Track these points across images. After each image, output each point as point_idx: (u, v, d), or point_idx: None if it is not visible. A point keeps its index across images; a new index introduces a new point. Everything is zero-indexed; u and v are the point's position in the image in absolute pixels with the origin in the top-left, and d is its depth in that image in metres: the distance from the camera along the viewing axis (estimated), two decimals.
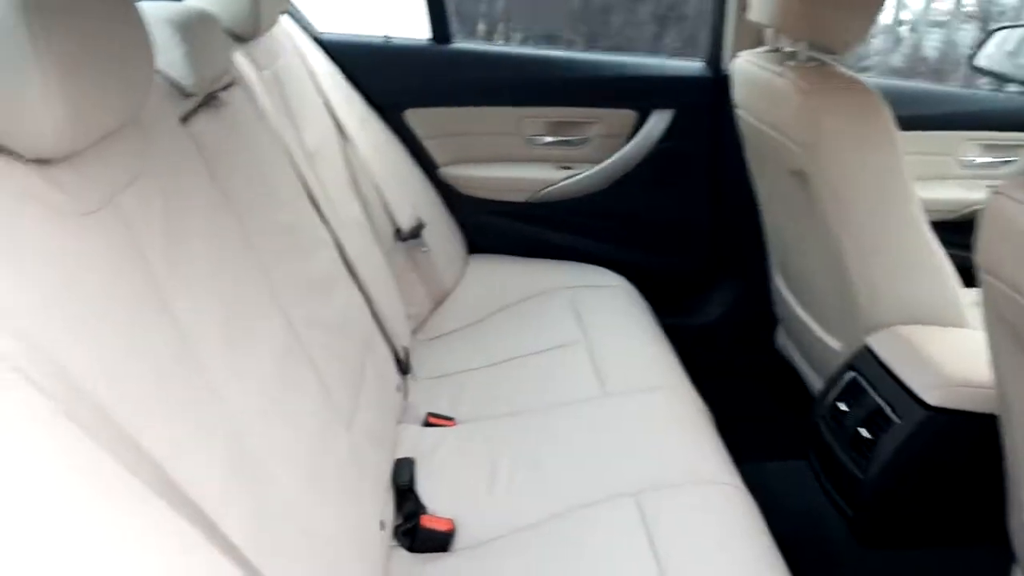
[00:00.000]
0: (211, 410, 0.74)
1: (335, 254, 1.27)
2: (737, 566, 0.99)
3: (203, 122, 0.99)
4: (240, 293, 0.88)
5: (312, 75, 1.51)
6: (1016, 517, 1.08)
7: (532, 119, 1.84)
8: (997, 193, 0.86)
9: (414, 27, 1.83)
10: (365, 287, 1.33)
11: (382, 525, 1.05)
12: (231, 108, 1.09)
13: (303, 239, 1.16)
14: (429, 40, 1.79)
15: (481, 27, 4.45)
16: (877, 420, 1.24)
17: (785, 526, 1.19)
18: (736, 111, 1.60)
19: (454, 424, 1.32)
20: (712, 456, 1.21)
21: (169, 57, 0.96)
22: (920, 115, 1.88)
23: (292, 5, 1.70)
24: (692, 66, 1.86)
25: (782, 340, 1.84)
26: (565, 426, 1.27)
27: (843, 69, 1.32)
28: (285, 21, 1.55)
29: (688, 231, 1.97)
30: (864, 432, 1.26)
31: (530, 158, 1.88)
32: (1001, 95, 2.08)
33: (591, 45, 4.40)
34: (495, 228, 1.92)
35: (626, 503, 1.08)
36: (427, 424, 1.32)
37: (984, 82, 2.55)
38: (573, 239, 1.94)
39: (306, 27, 1.69)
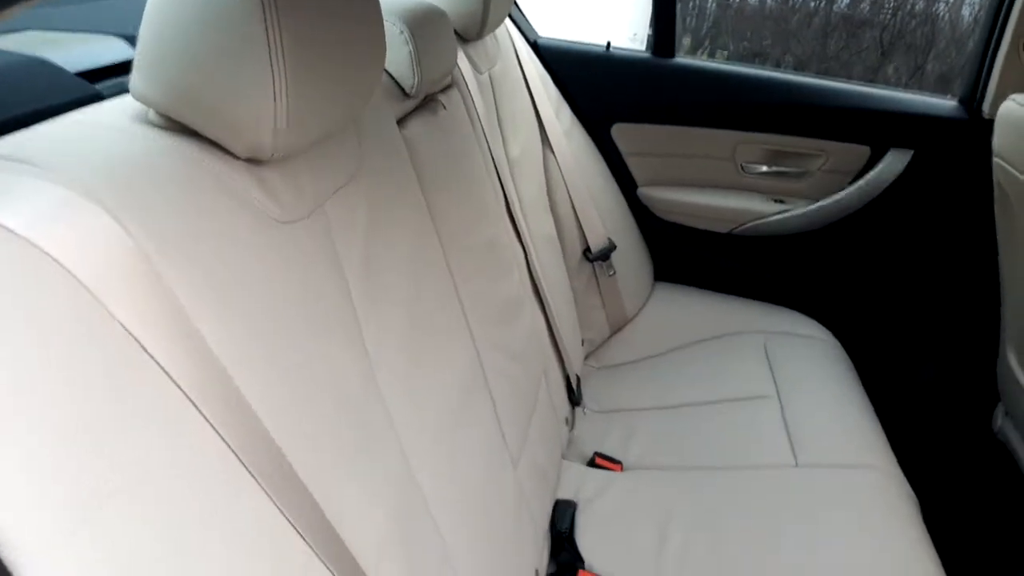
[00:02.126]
0: (385, 450, 0.68)
1: (524, 274, 1.21)
2: None
3: (418, 125, 0.94)
4: (432, 316, 0.83)
5: (525, 81, 1.47)
6: None
7: (748, 145, 1.69)
8: None
9: (619, 36, 1.74)
10: (549, 310, 1.27)
11: (536, 574, 0.98)
12: (447, 112, 1.04)
13: (499, 257, 1.10)
14: (649, 53, 1.71)
15: (686, 42, 4.29)
16: None
17: None
18: (995, 160, 1.38)
19: (621, 469, 1.23)
20: (919, 554, 1.04)
21: (395, 55, 0.90)
22: None
23: (516, 7, 1.67)
24: (943, 104, 1.64)
25: (1002, 424, 1.59)
26: (749, 494, 1.14)
27: None
28: (507, 24, 1.52)
29: (907, 288, 1.75)
30: None
31: (739, 187, 1.74)
32: None
33: (800, 68, 4.13)
34: (688, 257, 1.80)
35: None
36: (592, 464, 1.24)
37: None
38: (775, 280, 1.78)
39: (525, 30, 1.66)
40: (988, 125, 1.44)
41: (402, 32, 0.90)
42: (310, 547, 0.53)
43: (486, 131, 1.19)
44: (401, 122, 0.91)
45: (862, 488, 1.16)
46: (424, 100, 1.00)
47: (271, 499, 0.50)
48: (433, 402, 0.79)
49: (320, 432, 0.58)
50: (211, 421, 0.47)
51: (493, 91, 1.30)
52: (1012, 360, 1.51)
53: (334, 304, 0.65)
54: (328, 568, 0.55)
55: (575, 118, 1.64)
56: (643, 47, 1.75)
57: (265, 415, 0.52)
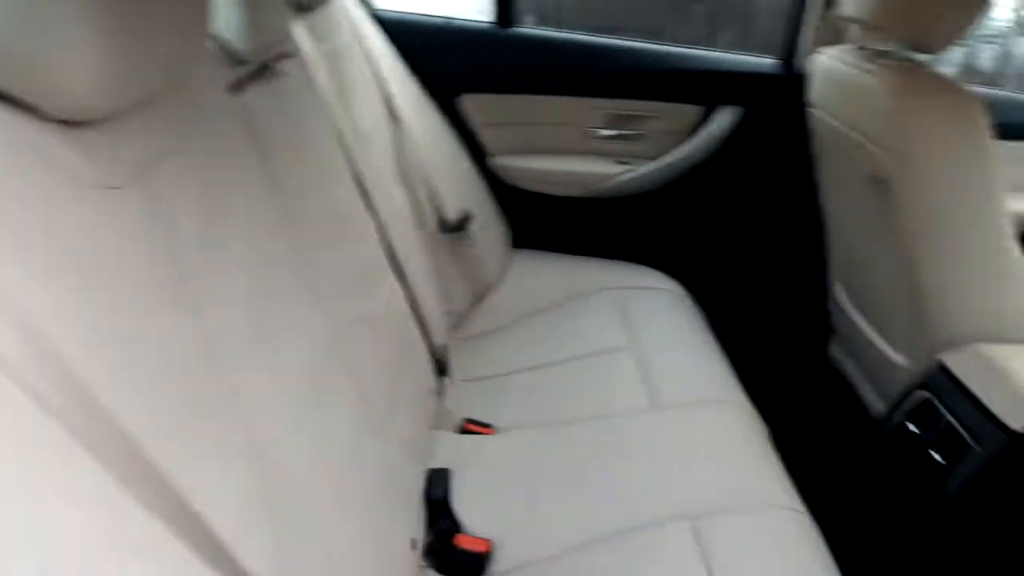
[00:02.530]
0: (232, 420, 0.66)
1: (379, 245, 1.21)
2: None
3: (254, 93, 0.92)
4: (277, 285, 0.82)
5: (368, 54, 1.46)
6: None
7: (592, 111, 1.76)
8: None
9: (474, 9, 1.76)
10: (408, 281, 1.27)
11: (413, 544, 0.98)
12: (285, 80, 1.02)
13: (349, 228, 1.09)
14: (492, 23, 1.73)
15: (530, 20, 4.37)
16: (951, 444, 1.16)
17: (847, 554, 1.11)
18: (812, 111, 1.51)
19: (493, 432, 1.25)
20: (772, 478, 1.13)
21: (224, 19, 0.88)
22: (1017, 123, 1.77)
23: None
24: (764, 63, 1.77)
25: (837, 353, 1.76)
26: (613, 441, 1.19)
27: (939, 71, 1.23)
28: None
29: (746, 235, 1.89)
30: (937, 456, 1.17)
31: (587, 151, 1.80)
32: None
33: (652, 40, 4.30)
34: (543, 223, 1.85)
35: (681, 528, 1.00)
36: (464, 431, 1.25)
37: None
38: (624, 238, 1.86)
39: (366, 2, 1.64)
40: (803, 79, 1.57)
41: None
42: (162, 522, 0.52)
43: (331, 102, 1.18)
44: (238, 88, 0.89)
45: (715, 422, 1.24)
46: (262, 68, 0.98)
47: (110, 473, 0.48)
48: (289, 372, 0.78)
49: (160, 405, 0.56)
50: (36, 391, 0.45)
51: (337, 63, 1.28)
52: (840, 292, 1.66)
53: (166, 274, 0.62)
54: (183, 543, 0.53)
55: (422, 90, 1.64)
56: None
57: (97, 387, 0.49)
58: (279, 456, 0.72)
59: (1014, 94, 1.94)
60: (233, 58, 0.90)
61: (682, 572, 0.94)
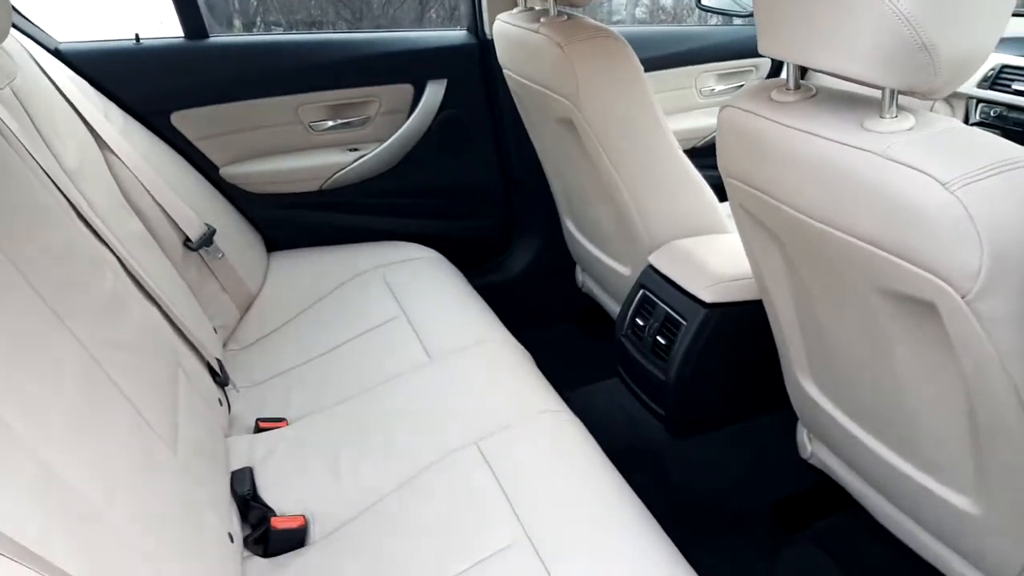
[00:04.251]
0: (10, 456, 0.69)
1: (120, 273, 1.21)
2: (577, 482, 1.09)
3: None
4: (21, 324, 0.83)
5: (59, 89, 1.40)
6: (790, 382, 1.27)
7: (309, 105, 1.82)
8: (727, 107, 1.00)
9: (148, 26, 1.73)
10: (162, 303, 1.27)
11: (231, 538, 1.03)
12: None
13: (81, 261, 1.08)
14: (182, 38, 1.72)
15: (237, 23, 4.25)
16: (669, 326, 1.40)
17: (612, 437, 1.32)
18: (504, 72, 1.69)
19: (286, 424, 1.31)
20: (538, 392, 1.30)
21: None
22: (662, 55, 2.09)
23: (23, 17, 1.55)
24: (457, 35, 1.93)
25: (581, 278, 1.99)
26: (399, 399, 1.31)
27: (591, 20, 1.44)
28: (17, 36, 1.42)
29: (483, 194, 2.06)
30: (661, 339, 1.41)
31: (315, 145, 1.87)
32: (728, 28, 2.35)
33: (355, 29, 4.36)
34: (292, 222, 1.89)
35: (469, 452, 1.14)
36: (258, 430, 1.30)
37: (715, 20, 2.86)
38: (375, 220, 1.96)
39: (41, 40, 1.56)
40: (490, 45, 1.75)
41: None
42: None
43: (28, 144, 1.14)
44: None
45: (485, 359, 1.39)
46: None
47: None
48: (57, 403, 0.80)
49: None
50: None
51: (21, 105, 1.23)
52: (569, 225, 1.89)
53: None
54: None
55: (128, 116, 1.60)
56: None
57: None
58: (70, 478, 0.74)
59: (655, 28, 2.28)
60: None
61: (476, 486, 1.08)
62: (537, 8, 1.56)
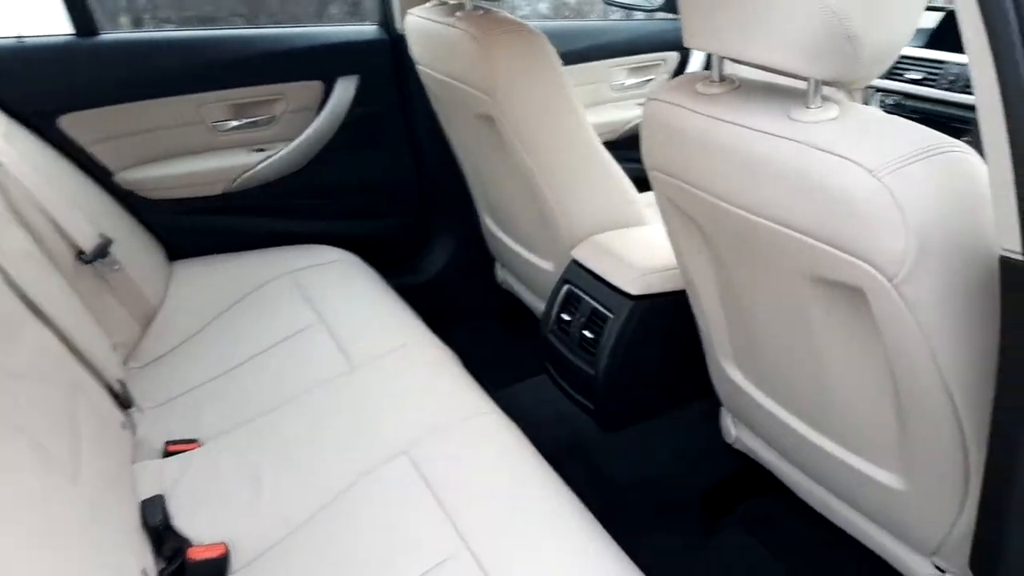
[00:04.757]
0: None
1: (7, 294, 1.10)
2: (513, 484, 1.07)
3: None
4: None
5: None
6: (714, 369, 1.29)
7: (211, 105, 1.72)
8: (650, 99, 1.00)
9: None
10: (55, 323, 1.17)
11: (145, 574, 0.95)
12: None
13: None
14: (71, 35, 1.59)
15: (124, 20, 4.02)
16: (596, 320, 1.40)
17: (543, 435, 1.30)
18: (417, 67, 1.65)
19: (199, 445, 1.23)
20: (467, 394, 1.27)
21: None
22: (575, 50, 2.09)
23: None
24: (368, 30, 1.87)
25: (502, 275, 1.98)
26: (321, 410, 1.25)
27: (507, 15, 1.42)
28: None
29: (398, 193, 2.01)
30: (588, 333, 1.41)
31: (218, 147, 1.77)
32: (639, 23, 2.38)
33: (252, 24, 4.20)
34: (195, 228, 1.79)
35: (399, 462, 1.10)
36: (167, 454, 1.21)
37: (618, 15, 2.90)
38: (286, 223, 1.87)
39: None
40: (403, 40, 1.70)
41: None
42: None
43: None
44: None
45: (408, 361, 1.35)
46: None
47: None
48: None
49: None
50: None
51: None
52: (488, 221, 1.86)
53: None
54: None
55: (11, 120, 1.47)
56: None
57: None
58: None
59: (567, 23, 2.28)
60: None
61: (409, 498, 1.04)
62: (451, 2, 1.52)
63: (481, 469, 1.10)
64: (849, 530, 1.17)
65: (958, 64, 1.71)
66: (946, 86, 1.71)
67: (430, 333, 1.47)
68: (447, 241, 2.09)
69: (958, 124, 1.66)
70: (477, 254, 1.98)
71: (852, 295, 0.82)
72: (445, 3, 1.55)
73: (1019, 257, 0.63)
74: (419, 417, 1.20)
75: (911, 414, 0.87)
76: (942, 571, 1.03)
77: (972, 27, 0.61)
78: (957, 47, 1.73)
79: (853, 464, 1.04)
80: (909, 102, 1.76)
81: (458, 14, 1.43)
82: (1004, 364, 0.71)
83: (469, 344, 1.57)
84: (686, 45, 0.89)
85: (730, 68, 0.95)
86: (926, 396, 0.83)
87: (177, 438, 1.24)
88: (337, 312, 1.51)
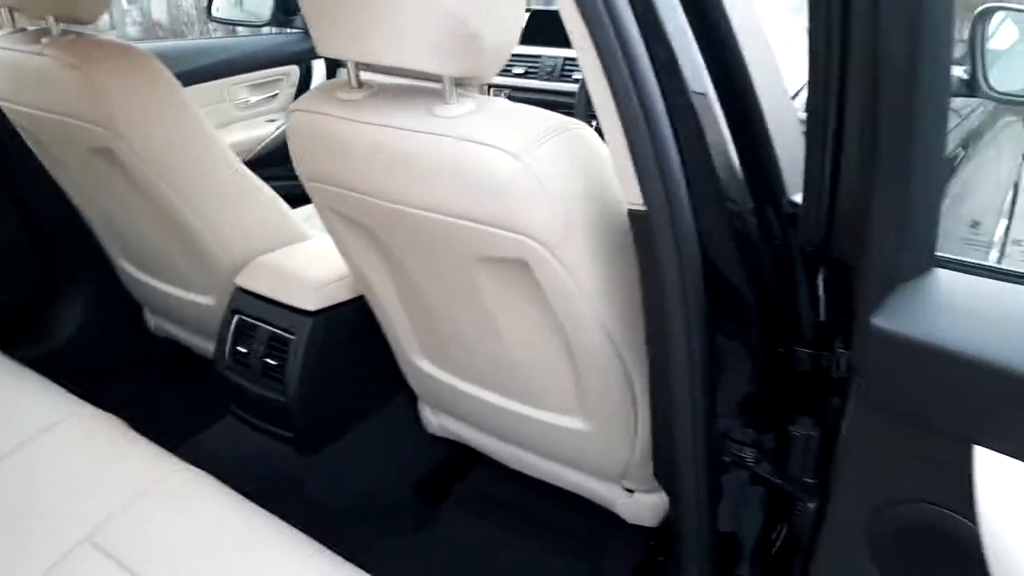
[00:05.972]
0: None
1: None
2: (225, 540, 0.99)
3: None
4: None
5: None
6: (404, 364, 1.33)
7: None
8: (292, 111, 0.98)
9: None
10: None
11: None
12: None
13: None
14: None
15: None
16: (276, 345, 1.34)
17: (245, 477, 1.22)
18: (1, 104, 1.40)
19: None
20: (148, 459, 1.14)
21: None
22: (190, 70, 1.96)
23: None
24: None
25: (155, 322, 1.79)
26: None
27: (106, 37, 1.27)
28: None
29: (5, 253, 1.70)
30: (271, 361, 1.35)
31: None
32: (255, 38, 2.30)
33: None
34: None
35: (83, 551, 0.95)
36: None
37: (221, 32, 2.78)
38: None
39: None
40: None
41: None
42: None
43: None
44: None
45: (71, 439, 1.16)
46: None
47: None
48: None
49: None
50: None
51: None
52: (126, 266, 1.66)
53: None
54: None
55: None
56: None
57: None
58: None
59: (175, 43, 2.14)
60: None
61: None
62: (30, 29, 1.32)
63: (186, 533, 0.99)
64: (551, 480, 1.30)
65: (551, 56, 1.97)
66: (545, 76, 1.96)
67: (86, 404, 1.28)
68: (76, 298, 1.83)
69: (563, 109, 1.91)
70: (118, 305, 1.77)
71: (517, 268, 0.91)
72: (25, 30, 1.34)
73: (641, 208, 0.76)
74: (98, 496, 1.04)
75: (583, 364, 1.00)
76: (631, 492, 1.20)
77: (574, 23, 0.71)
78: (548, 41, 1.99)
79: (541, 418, 1.15)
80: (518, 94, 1.97)
81: (44, 40, 1.25)
82: (646, 305, 0.85)
83: (133, 405, 1.39)
84: (320, 54, 0.90)
85: (365, 77, 0.98)
86: (592, 346, 0.95)
87: None
88: None
